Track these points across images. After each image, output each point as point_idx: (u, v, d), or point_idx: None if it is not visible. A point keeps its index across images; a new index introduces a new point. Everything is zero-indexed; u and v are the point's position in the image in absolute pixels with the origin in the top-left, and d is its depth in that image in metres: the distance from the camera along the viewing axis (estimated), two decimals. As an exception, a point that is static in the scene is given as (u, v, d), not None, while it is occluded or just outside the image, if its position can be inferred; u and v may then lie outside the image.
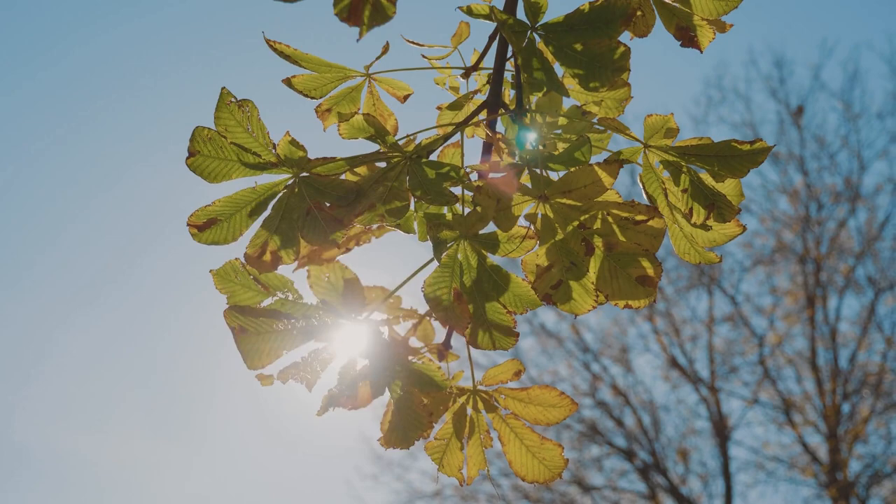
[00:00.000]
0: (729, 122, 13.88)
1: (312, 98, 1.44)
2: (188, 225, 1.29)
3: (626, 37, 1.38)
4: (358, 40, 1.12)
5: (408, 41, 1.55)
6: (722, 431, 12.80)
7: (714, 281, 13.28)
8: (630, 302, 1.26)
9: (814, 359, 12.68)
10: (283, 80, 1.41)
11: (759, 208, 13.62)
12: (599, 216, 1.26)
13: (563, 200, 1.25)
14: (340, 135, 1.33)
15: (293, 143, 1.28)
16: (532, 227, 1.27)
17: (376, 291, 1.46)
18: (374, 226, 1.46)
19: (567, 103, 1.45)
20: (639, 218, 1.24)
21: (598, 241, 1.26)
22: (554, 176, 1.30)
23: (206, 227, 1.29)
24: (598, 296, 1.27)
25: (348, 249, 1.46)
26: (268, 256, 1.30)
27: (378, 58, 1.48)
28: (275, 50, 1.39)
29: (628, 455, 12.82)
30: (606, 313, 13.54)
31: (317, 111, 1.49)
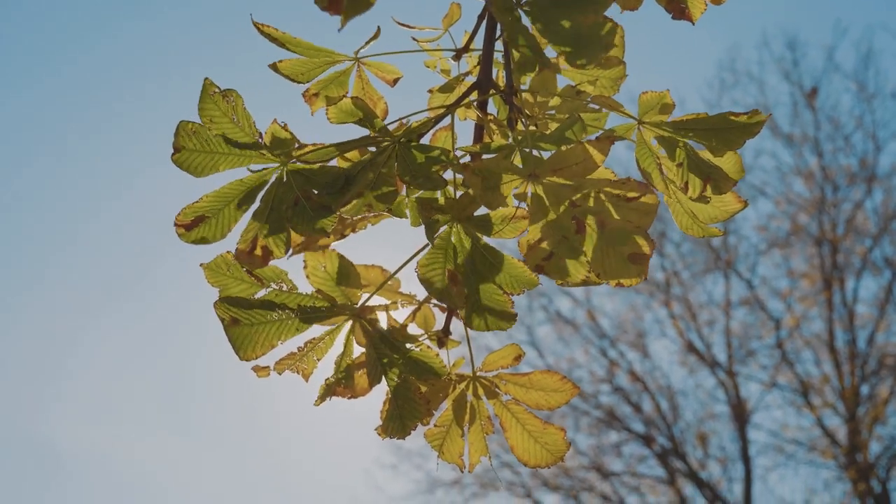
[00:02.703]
0: (742, 105, 13.77)
1: (299, 83, 1.42)
2: (175, 225, 1.26)
3: (616, 10, 1.35)
4: (339, 30, 1.10)
5: (398, 23, 1.53)
6: (740, 415, 12.76)
7: (730, 265, 13.22)
8: (622, 280, 1.24)
9: (832, 341, 12.61)
10: (269, 65, 1.39)
11: (774, 191, 13.55)
12: (592, 194, 1.24)
13: (554, 179, 1.23)
14: (329, 119, 1.31)
15: (281, 129, 1.26)
16: (524, 205, 1.25)
17: (374, 271, 1.44)
18: (371, 213, 1.44)
19: (561, 83, 1.43)
20: (631, 195, 1.22)
21: (589, 220, 1.24)
22: (546, 156, 1.28)
23: (193, 225, 1.27)
24: (590, 271, 1.25)
25: (343, 236, 1.44)
26: (259, 251, 1.28)
27: (368, 42, 1.46)
28: (262, 33, 1.37)
29: (647, 440, 12.80)
30: (622, 299, 13.51)
31: (304, 95, 1.47)
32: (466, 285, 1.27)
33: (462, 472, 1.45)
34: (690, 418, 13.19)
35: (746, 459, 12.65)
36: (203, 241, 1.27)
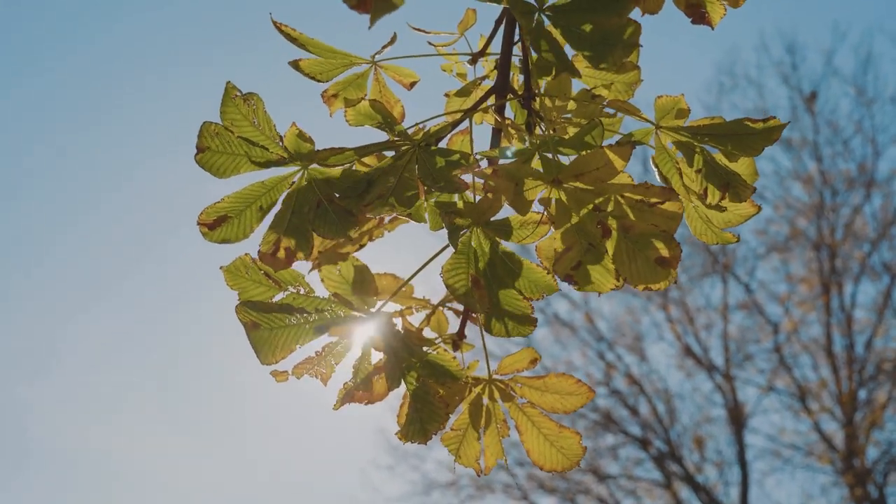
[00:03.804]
0: (741, 109, 13.79)
1: (319, 81, 1.43)
2: (199, 224, 1.27)
3: (636, 13, 1.36)
4: (369, 28, 1.10)
5: (414, 28, 1.53)
6: (737, 419, 12.77)
7: (728, 268, 13.24)
8: (650, 284, 1.24)
9: (829, 346, 12.63)
10: (290, 63, 1.40)
11: (772, 195, 13.57)
12: (613, 199, 1.24)
13: (576, 184, 1.24)
14: (347, 121, 1.32)
15: (300, 135, 1.27)
16: (546, 211, 1.25)
17: (387, 279, 1.44)
18: (387, 219, 1.44)
19: (577, 87, 1.43)
20: (653, 200, 1.22)
21: (613, 224, 1.24)
22: (565, 160, 1.28)
23: (216, 224, 1.28)
24: (618, 277, 1.25)
25: (362, 245, 1.44)
26: (282, 253, 1.28)
27: (385, 46, 1.46)
28: (282, 32, 1.38)
29: (643, 444, 12.80)
30: (620, 302, 13.52)
31: (323, 96, 1.48)
32: (487, 290, 1.27)
33: (479, 475, 1.46)
34: (687, 422, 13.21)
35: (743, 463, 12.65)
36: (226, 240, 1.28)
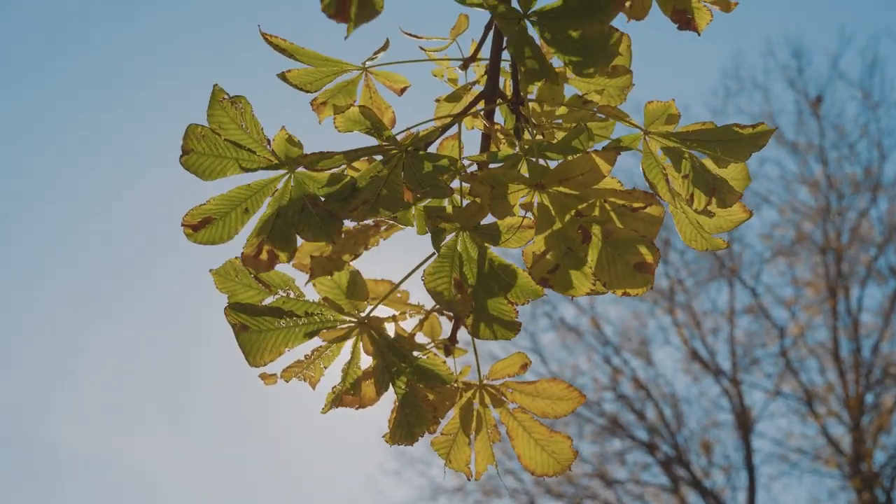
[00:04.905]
0: (747, 113, 13.77)
1: (308, 92, 1.43)
2: (183, 225, 1.28)
3: (622, 19, 1.36)
4: (346, 38, 1.11)
5: (405, 33, 1.54)
6: (745, 424, 12.74)
7: (734, 273, 13.21)
8: (628, 289, 1.24)
9: (836, 350, 12.59)
10: (277, 75, 1.40)
11: (778, 199, 13.54)
12: (597, 204, 1.24)
13: (560, 189, 1.24)
14: (336, 128, 1.32)
15: (289, 139, 1.27)
16: (529, 215, 1.26)
17: (383, 285, 1.44)
18: (382, 227, 1.45)
19: (568, 92, 1.44)
20: (636, 205, 1.22)
21: (595, 229, 1.25)
22: (552, 165, 1.29)
23: (200, 226, 1.28)
24: (595, 282, 1.25)
25: (357, 255, 1.45)
26: (264, 255, 1.29)
27: (377, 53, 1.47)
28: (270, 43, 1.38)
29: (650, 448, 12.77)
30: (626, 306, 13.50)
31: (312, 104, 1.49)
32: (473, 295, 1.27)
33: (469, 479, 1.46)
34: (694, 426, 13.17)
35: (750, 468, 12.62)
36: (210, 242, 1.28)
